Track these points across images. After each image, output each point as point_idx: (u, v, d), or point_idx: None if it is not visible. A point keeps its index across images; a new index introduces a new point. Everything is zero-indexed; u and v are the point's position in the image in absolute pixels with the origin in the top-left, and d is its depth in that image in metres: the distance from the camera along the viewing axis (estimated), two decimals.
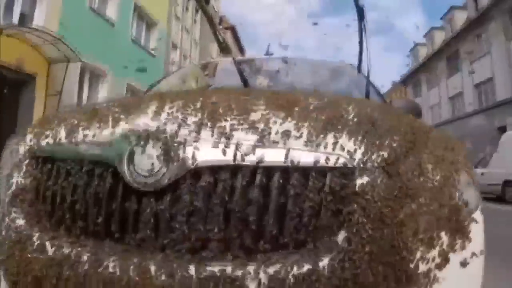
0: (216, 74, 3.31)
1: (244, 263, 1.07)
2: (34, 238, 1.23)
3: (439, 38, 35.38)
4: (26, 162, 1.40)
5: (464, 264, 1.19)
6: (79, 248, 1.16)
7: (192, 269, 1.06)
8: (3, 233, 1.30)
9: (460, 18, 31.27)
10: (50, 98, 12.32)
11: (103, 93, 15.77)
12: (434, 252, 1.13)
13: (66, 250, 1.17)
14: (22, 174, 1.39)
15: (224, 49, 2.98)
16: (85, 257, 1.13)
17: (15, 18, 11.65)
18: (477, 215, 1.28)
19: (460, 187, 1.25)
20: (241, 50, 38.78)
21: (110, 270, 1.09)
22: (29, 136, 1.47)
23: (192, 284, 1.04)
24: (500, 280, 2.82)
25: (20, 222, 1.30)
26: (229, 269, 1.05)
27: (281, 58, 3.50)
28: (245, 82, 2.01)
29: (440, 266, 1.13)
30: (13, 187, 1.37)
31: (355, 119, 1.24)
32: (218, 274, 1.04)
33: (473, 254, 1.22)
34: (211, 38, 30.64)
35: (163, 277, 1.06)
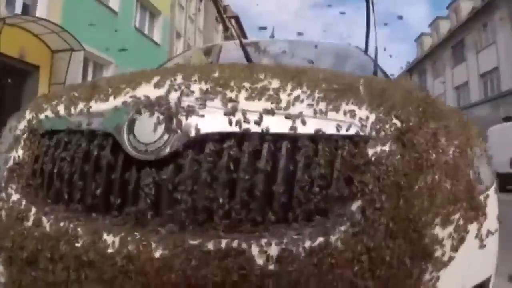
0: (220, 56, 3.26)
1: (252, 236, 1.01)
2: (31, 213, 1.18)
3: (445, 27, 35.17)
4: (25, 136, 1.35)
5: (480, 241, 1.15)
6: (77, 222, 1.11)
7: (196, 242, 1.00)
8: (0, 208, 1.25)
9: (466, 7, 31.06)
10: (54, 88, 12.27)
11: None
12: (450, 228, 1.08)
13: (63, 225, 1.11)
14: (20, 148, 1.34)
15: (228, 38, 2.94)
16: (82, 232, 1.08)
17: (18, 9, 11.61)
18: (492, 192, 1.25)
19: (475, 163, 1.21)
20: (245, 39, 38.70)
21: (109, 244, 1.04)
22: (28, 112, 1.42)
23: (196, 258, 0.99)
24: None
25: (17, 197, 1.25)
26: (235, 242, 0.99)
27: (286, 40, 3.45)
28: (248, 60, 1.96)
29: (456, 243, 1.09)
30: (11, 162, 1.32)
31: (367, 89, 1.20)
32: (224, 247, 0.99)
33: (489, 232, 1.18)
34: (215, 26, 30.67)
35: (164, 251, 1.00)
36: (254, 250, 0.98)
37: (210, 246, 0.99)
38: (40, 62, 12.19)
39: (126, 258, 1.00)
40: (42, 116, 1.35)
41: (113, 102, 1.22)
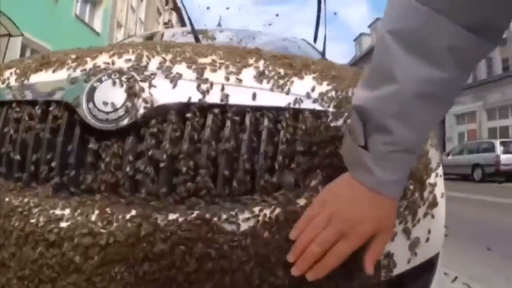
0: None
1: (215, 207, 0.99)
2: None
3: None
4: None
5: (430, 217, 1.19)
6: (30, 198, 1.03)
7: (156, 215, 0.96)
8: None
9: None
10: None
11: None
12: (404, 202, 1.11)
13: (15, 201, 1.03)
14: None
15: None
16: (37, 208, 1.01)
17: None
18: (440, 171, 1.30)
19: (427, 144, 1.26)
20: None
21: (66, 220, 0.98)
22: None
23: (158, 231, 0.95)
24: None
25: None
26: (197, 214, 0.96)
27: (233, 29, 3.44)
28: (197, 41, 1.92)
29: (408, 217, 1.12)
30: None
31: (324, 67, 1.22)
32: (187, 219, 0.96)
33: (437, 209, 1.23)
34: (156, 17, 30.24)
35: (127, 225, 0.96)
36: (219, 221, 0.96)
37: (173, 217, 0.97)
38: None
39: (86, 234, 0.96)
40: None
41: (71, 70, 1.16)
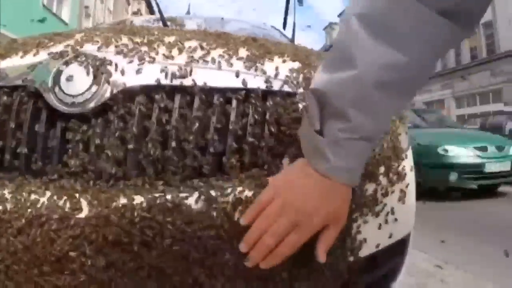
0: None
1: (184, 188, 0.97)
2: None
3: None
4: None
5: (401, 198, 1.20)
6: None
7: (125, 200, 0.94)
8: None
9: None
10: None
11: None
12: (375, 183, 1.12)
13: None
14: None
15: None
16: (6, 195, 0.97)
17: None
18: (409, 154, 1.31)
19: (396, 130, 1.27)
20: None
21: (37, 207, 0.94)
22: None
23: (128, 214, 0.92)
24: None
25: None
26: (169, 195, 0.95)
27: (201, 16, 3.41)
28: (164, 24, 1.89)
29: (381, 198, 1.13)
30: None
31: (291, 49, 1.22)
32: (158, 201, 0.94)
33: (408, 190, 1.24)
34: (125, 7, 29.89)
35: (96, 209, 0.93)
36: (189, 201, 0.94)
37: (140, 200, 0.94)
38: None
39: (56, 219, 0.92)
40: None
41: (36, 55, 1.12)
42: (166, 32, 1.23)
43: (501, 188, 7.46)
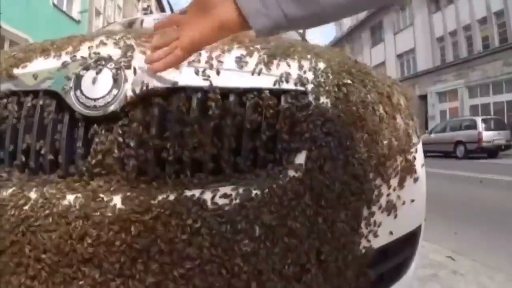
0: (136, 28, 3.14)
1: (206, 185, 1.02)
2: None
3: None
4: None
5: (412, 190, 1.23)
6: (24, 186, 1.05)
7: (148, 197, 0.99)
8: None
9: None
10: None
11: None
12: (387, 176, 1.15)
13: (9, 189, 1.04)
14: None
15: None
16: (31, 194, 1.02)
17: None
18: (419, 146, 1.34)
19: (408, 123, 1.30)
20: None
21: (65, 205, 0.99)
22: None
23: (149, 210, 0.97)
24: None
25: None
26: (189, 192, 0.99)
27: None
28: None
29: (393, 191, 1.17)
30: None
31: (302, 49, 1.25)
32: (181, 197, 0.98)
33: (422, 165, 1.28)
34: (134, 3, 29.91)
35: (119, 206, 0.98)
36: (209, 196, 0.99)
37: (162, 196, 0.99)
38: None
39: (81, 217, 0.97)
40: None
41: (56, 60, 1.17)
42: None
43: None
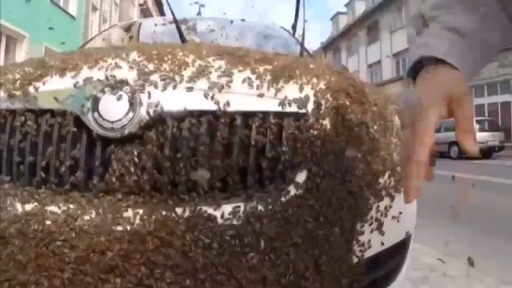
0: (140, 34, 3.18)
1: (215, 201, 1.12)
2: None
3: (360, 7, 36.23)
4: None
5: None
6: (47, 202, 1.14)
7: (164, 212, 1.09)
8: None
9: None
10: None
11: (20, 57, 14.97)
12: (381, 191, 1.25)
13: (32, 205, 1.13)
14: None
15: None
16: (56, 210, 1.11)
17: None
18: None
19: (398, 133, 1.38)
20: (162, 14, 37.70)
21: (87, 221, 1.09)
22: None
23: (165, 225, 1.07)
24: None
25: None
26: (201, 208, 1.10)
27: (213, 18, 3.49)
28: (182, 39, 1.98)
29: (386, 203, 1.29)
30: None
31: (305, 71, 1.33)
32: (194, 213, 1.09)
33: None
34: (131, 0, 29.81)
35: (137, 221, 1.08)
36: (221, 212, 1.10)
37: (178, 211, 1.10)
38: None
39: (103, 232, 1.06)
40: None
41: (73, 80, 1.24)
42: (187, 50, 1.35)
43: None
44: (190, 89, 1.18)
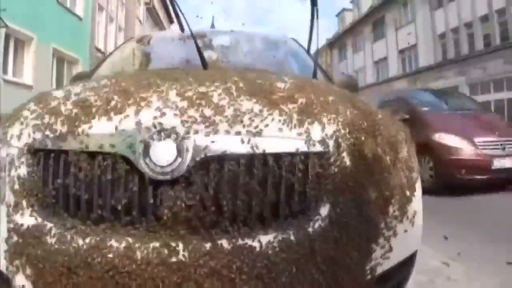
0: (155, 48, 3.35)
1: (254, 234, 1.29)
2: (53, 231, 1.30)
3: (366, 4, 36.13)
4: (24, 157, 1.41)
5: (411, 221, 1.51)
6: (104, 236, 1.27)
7: (210, 244, 1.25)
8: (13, 230, 1.34)
9: None
10: None
11: (28, 58, 15.17)
12: (394, 218, 1.44)
13: (90, 239, 1.27)
14: (22, 170, 1.40)
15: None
16: (113, 244, 1.25)
17: None
18: (418, 183, 1.59)
19: (408, 158, 1.56)
20: (169, 14, 37.69)
21: (145, 253, 1.24)
22: (17, 129, 1.47)
23: (214, 257, 1.23)
24: None
25: (30, 217, 1.34)
26: (243, 240, 1.27)
27: (227, 31, 3.58)
28: (204, 65, 2.05)
29: (396, 228, 1.44)
30: (16, 185, 1.39)
31: (324, 109, 1.49)
32: (237, 245, 1.26)
33: (416, 212, 1.55)
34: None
35: (190, 254, 1.24)
36: (259, 243, 1.27)
37: (225, 244, 1.25)
38: None
39: (160, 264, 1.22)
40: (38, 135, 1.42)
41: (119, 123, 1.37)
42: (214, 78, 1.57)
43: None
44: (228, 132, 1.33)
